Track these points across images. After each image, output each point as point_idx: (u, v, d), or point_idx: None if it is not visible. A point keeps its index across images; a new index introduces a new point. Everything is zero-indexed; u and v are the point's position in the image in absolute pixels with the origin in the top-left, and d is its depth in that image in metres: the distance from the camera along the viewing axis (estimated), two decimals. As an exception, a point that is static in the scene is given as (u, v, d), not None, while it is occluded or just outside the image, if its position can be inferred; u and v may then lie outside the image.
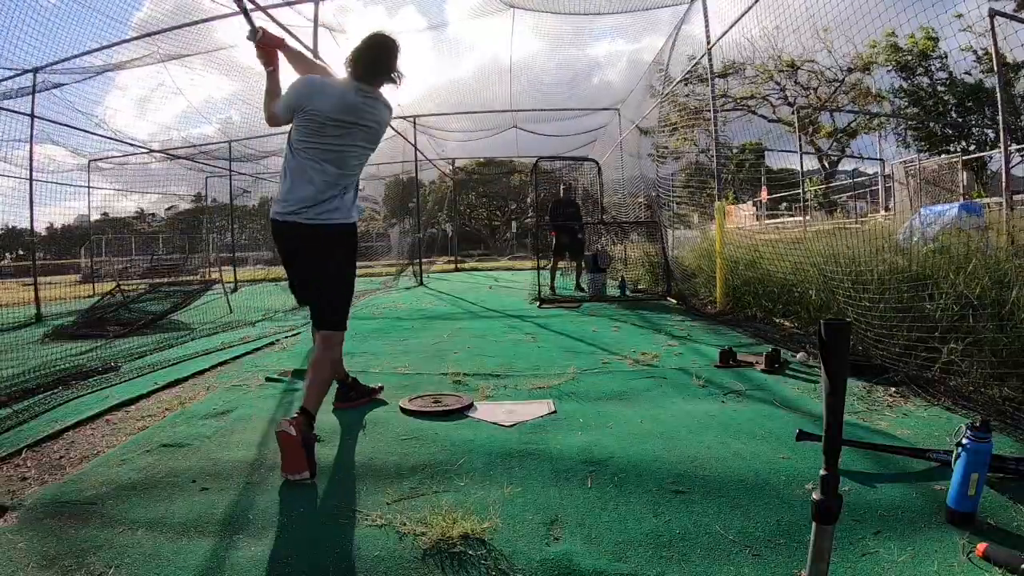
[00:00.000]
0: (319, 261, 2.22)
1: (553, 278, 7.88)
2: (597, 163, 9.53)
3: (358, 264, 2.48)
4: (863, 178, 16.68)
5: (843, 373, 1.05)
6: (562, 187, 8.99)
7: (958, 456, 1.51)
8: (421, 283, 11.15)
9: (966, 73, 15.81)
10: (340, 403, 2.71)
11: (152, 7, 5.92)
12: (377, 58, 2.18)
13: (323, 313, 2.28)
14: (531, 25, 8.91)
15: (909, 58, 16.36)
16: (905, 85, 16.99)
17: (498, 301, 7.54)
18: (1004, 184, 4.53)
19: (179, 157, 12.24)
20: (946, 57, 15.90)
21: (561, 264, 8.56)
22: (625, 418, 2.42)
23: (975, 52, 14.81)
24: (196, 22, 6.62)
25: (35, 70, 7.23)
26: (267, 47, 2.25)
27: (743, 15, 5.06)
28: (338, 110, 2.12)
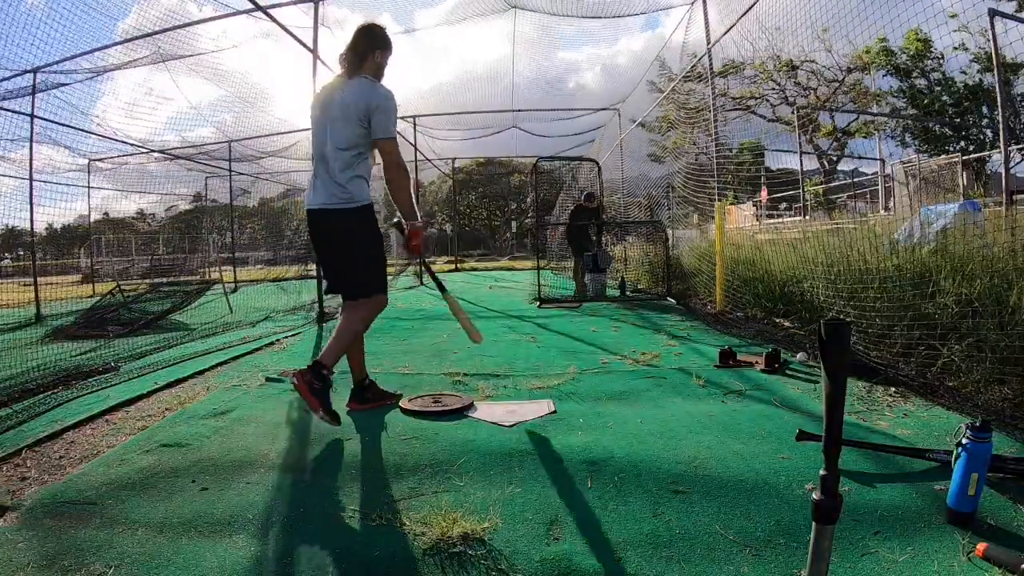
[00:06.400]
0: (328, 242, 2.55)
1: (578, 277, 7.72)
2: (597, 163, 9.54)
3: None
4: (862, 178, 16.66)
5: (843, 373, 1.04)
6: (583, 194, 8.21)
7: (958, 456, 1.51)
8: (421, 283, 11.14)
9: (962, 72, 15.80)
10: (353, 404, 2.67)
11: (145, 9, 5.94)
12: (345, 56, 2.50)
13: (339, 286, 2.58)
14: (533, 25, 8.93)
15: (906, 60, 16.35)
16: (903, 87, 16.99)
17: (498, 301, 7.53)
18: (1004, 184, 4.53)
19: (178, 157, 12.25)
20: (942, 58, 15.90)
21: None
22: (625, 418, 2.42)
23: (967, 49, 14.81)
24: (196, 22, 6.62)
25: (35, 70, 7.23)
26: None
27: (743, 15, 5.06)
28: (315, 111, 2.52)
